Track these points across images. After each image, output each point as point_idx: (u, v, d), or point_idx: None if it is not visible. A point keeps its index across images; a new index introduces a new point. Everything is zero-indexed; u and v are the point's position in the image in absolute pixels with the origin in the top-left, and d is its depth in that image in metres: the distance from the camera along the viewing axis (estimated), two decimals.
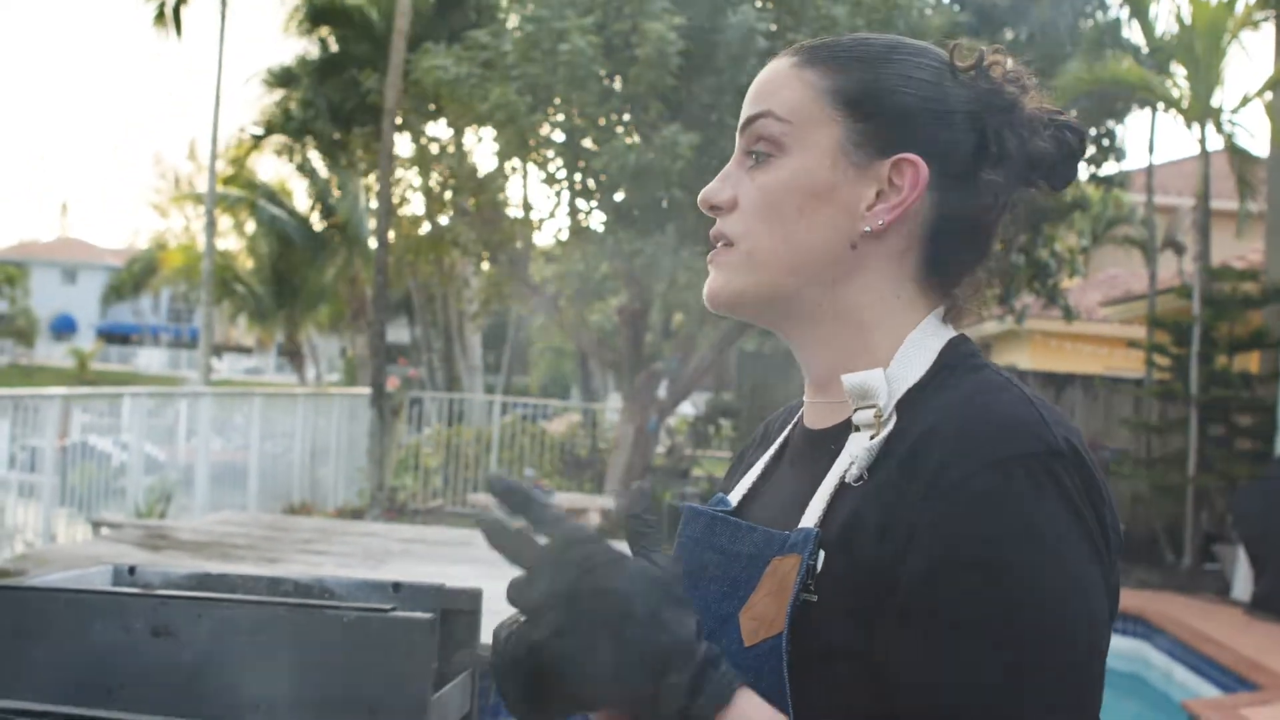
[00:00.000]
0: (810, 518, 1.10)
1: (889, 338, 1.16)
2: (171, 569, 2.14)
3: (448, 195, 14.13)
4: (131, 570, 2.09)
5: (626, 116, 12.14)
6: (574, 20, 11.47)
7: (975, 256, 1.20)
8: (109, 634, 1.62)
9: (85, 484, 9.96)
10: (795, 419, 1.29)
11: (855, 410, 1.13)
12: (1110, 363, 19.15)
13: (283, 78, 19.56)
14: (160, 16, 17.98)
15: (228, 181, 24.24)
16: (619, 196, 12.37)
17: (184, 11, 18.01)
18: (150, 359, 58.97)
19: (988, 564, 0.99)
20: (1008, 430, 1.03)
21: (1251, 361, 13.01)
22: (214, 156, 17.45)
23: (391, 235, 15.49)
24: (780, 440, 1.30)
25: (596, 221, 12.75)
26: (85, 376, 52.28)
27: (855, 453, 1.10)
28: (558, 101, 11.82)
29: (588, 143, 12.07)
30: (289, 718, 1.57)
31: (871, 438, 1.10)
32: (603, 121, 12.04)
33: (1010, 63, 1.22)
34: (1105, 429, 14.12)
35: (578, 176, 12.38)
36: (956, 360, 1.14)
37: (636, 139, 12.25)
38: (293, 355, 28.21)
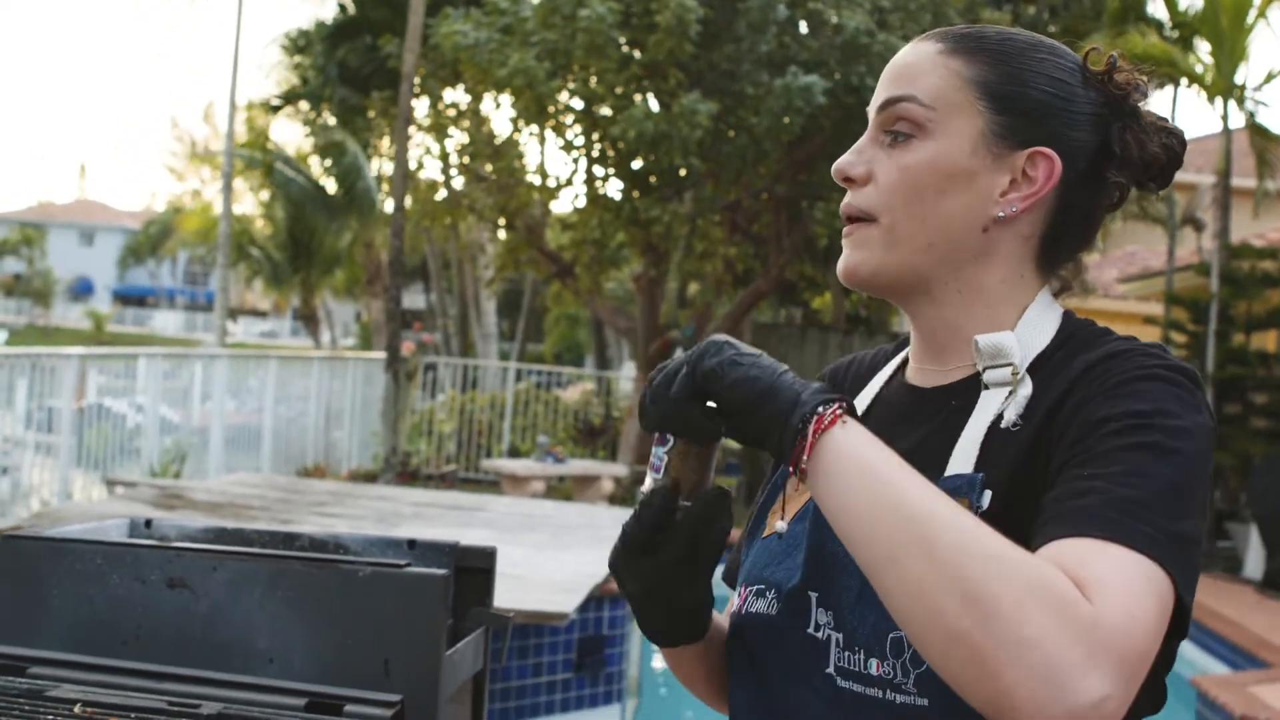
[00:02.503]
0: (963, 463, 1.16)
1: (1010, 311, 1.24)
2: (187, 523, 2.14)
3: (465, 160, 14.11)
4: (148, 523, 2.09)
5: (645, 84, 12.10)
6: None
7: (1084, 242, 1.29)
8: (125, 585, 1.64)
9: (101, 445, 9.98)
10: (888, 376, 1.35)
11: (985, 369, 1.20)
12: None
13: (301, 42, 19.53)
14: None
15: (246, 145, 24.22)
16: (637, 164, 12.34)
17: None
18: (166, 321, 59.13)
19: (1148, 408, 1.08)
20: (1150, 353, 1.14)
21: (1269, 340, 12.95)
22: (231, 118, 17.43)
23: (409, 200, 15.51)
24: (871, 396, 1.35)
25: (613, 188, 12.72)
26: (102, 338, 52.48)
27: (995, 406, 1.18)
28: (576, 68, 11.77)
29: (605, 110, 12.02)
30: (303, 670, 1.57)
31: (1010, 392, 1.17)
32: (621, 89, 12.00)
33: (1134, 73, 1.28)
34: None
35: (595, 143, 12.34)
36: (1083, 327, 1.23)
37: (655, 106, 12.21)
38: (308, 319, 28.23)
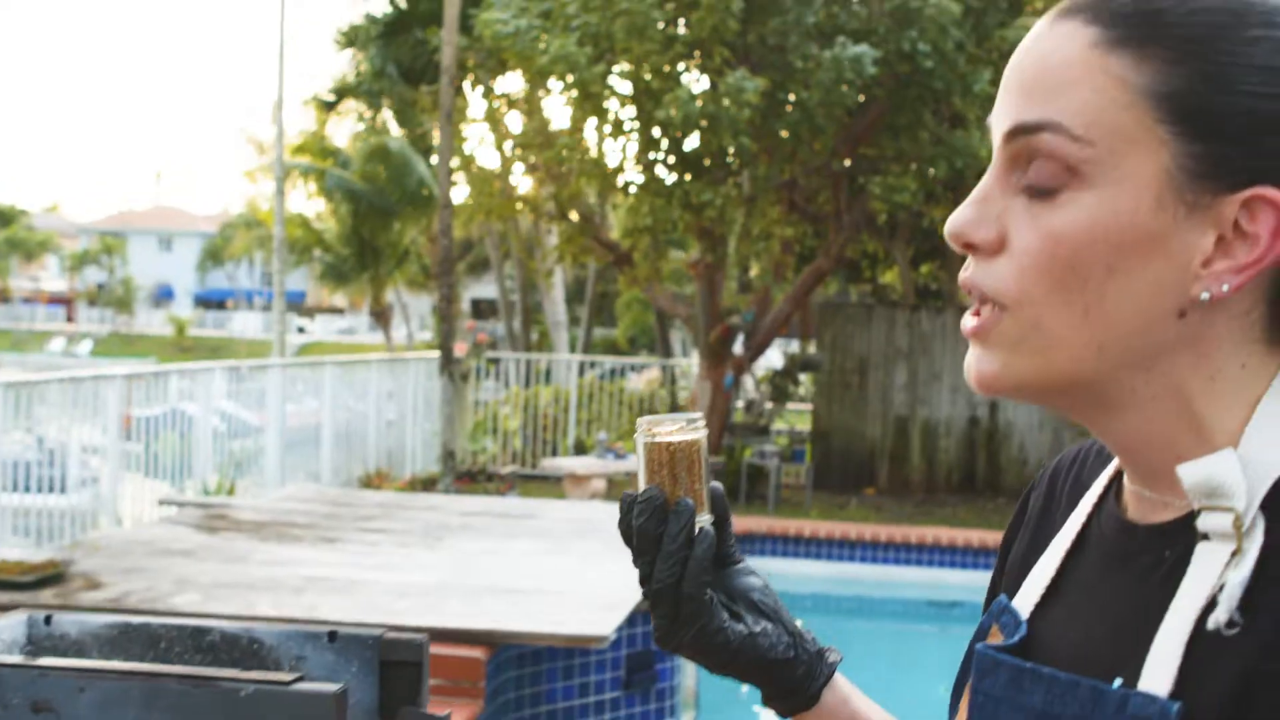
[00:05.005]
0: (1160, 674, 0.79)
1: (1235, 411, 0.84)
2: (90, 619, 1.94)
3: (518, 151, 13.88)
4: (48, 619, 1.93)
5: (691, 63, 11.76)
6: None
7: None
8: None
9: (169, 454, 10.06)
10: (1100, 494, 0.96)
11: (1201, 511, 0.81)
12: None
13: (353, 38, 19.42)
14: None
15: (301, 148, 24.24)
16: (689, 145, 12.03)
17: None
18: (246, 323, 59.80)
19: None
20: None
21: None
22: (280, 125, 17.35)
23: (466, 193, 15.31)
24: (1082, 521, 0.96)
25: (665, 173, 12.42)
26: (183, 343, 53.25)
27: (1210, 577, 0.79)
28: (619, 51, 11.46)
29: (652, 91, 11.71)
30: None
31: (1233, 554, 0.79)
32: (667, 69, 11.66)
33: None
34: None
35: (643, 126, 12.04)
36: None
37: (702, 86, 11.87)
38: (378, 316, 28.31)
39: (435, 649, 5.35)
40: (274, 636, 1.88)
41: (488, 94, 14.66)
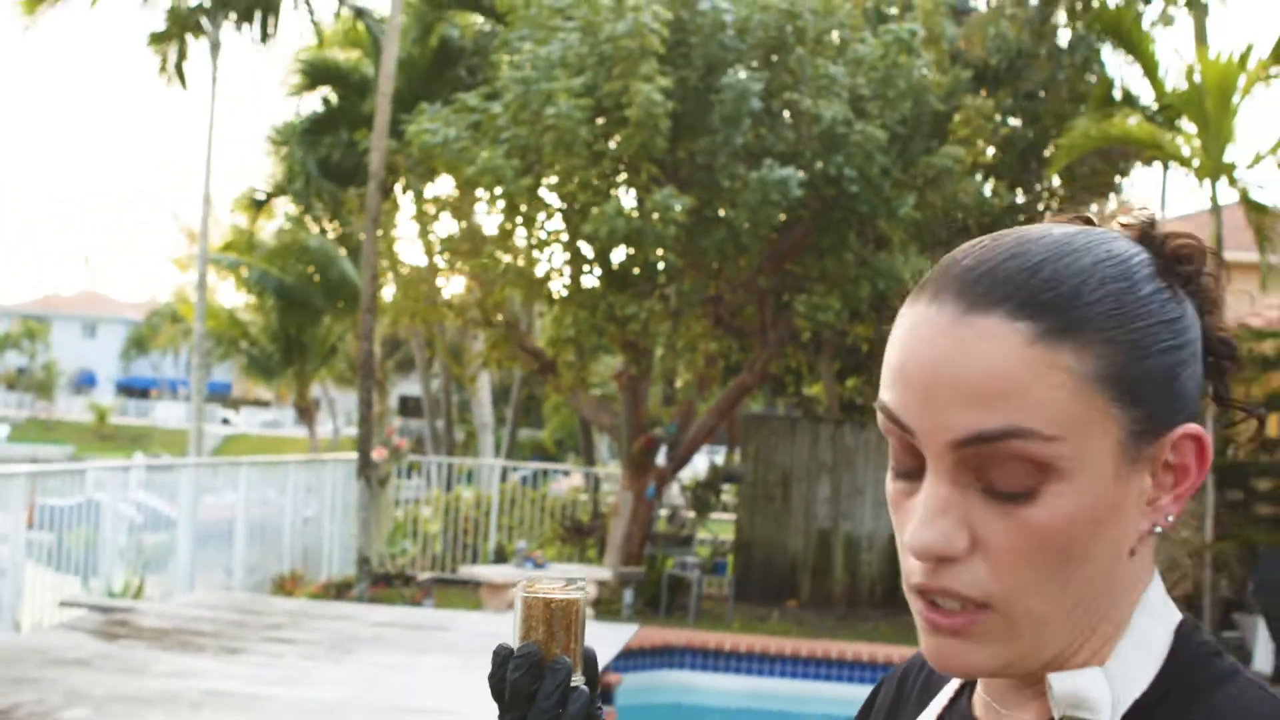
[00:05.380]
0: None
1: (1113, 618, 0.89)
2: None
3: (446, 256, 13.89)
4: None
5: (618, 179, 11.89)
6: (563, 81, 11.22)
7: None
8: None
9: (79, 546, 9.85)
10: (951, 697, 1.00)
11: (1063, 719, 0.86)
12: None
13: (287, 136, 19.47)
14: (164, 68, 17.97)
15: (229, 245, 24.18)
16: (616, 258, 12.11)
17: (185, 66, 17.97)
18: (169, 413, 58.97)
19: None
20: None
21: (1271, 424, 12.60)
22: (205, 221, 17.28)
23: (393, 293, 15.28)
24: None
25: (591, 284, 12.48)
26: (104, 430, 52.39)
27: None
28: (547, 164, 11.57)
29: (579, 205, 11.81)
30: None
31: None
32: (595, 183, 11.79)
33: (1204, 251, 0.91)
34: None
35: (570, 239, 12.13)
36: (1191, 660, 0.88)
37: (631, 201, 12.00)
38: (303, 411, 28.06)
39: None
40: None
41: (417, 198, 14.71)
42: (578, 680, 1.02)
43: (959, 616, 0.86)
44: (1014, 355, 0.83)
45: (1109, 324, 0.84)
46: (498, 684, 1.02)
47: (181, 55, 17.98)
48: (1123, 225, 0.92)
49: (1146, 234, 0.91)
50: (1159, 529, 0.87)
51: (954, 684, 1.01)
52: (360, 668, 6.96)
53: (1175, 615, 0.90)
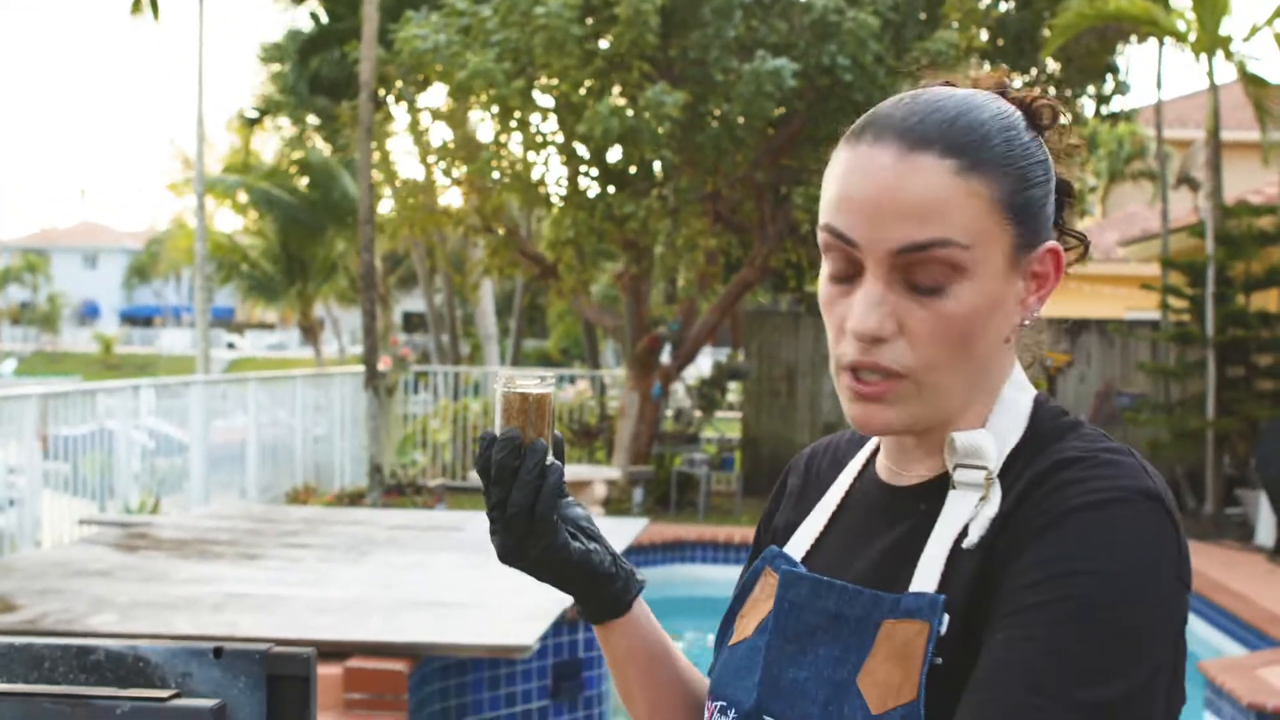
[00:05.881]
0: (926, 581, 1.11)
1: (987, 395, 1.18)
2: None
3: (442, 164, 13.85)
4: None
5: (611, 78, 11.82)
6: None
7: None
8: None
9: (95, 472, 9.96)
10: (860, 468, 1.29)
11: (956, 468, 1.14)
12: (1131, 303, 18.75)
13: (276, 53, 19.32)
14: (137, 4, 17.49)
15: (228, 165, 24.05)
16: (612, 157, 12.08)
17: None
18: (174, 339, 59.06)
19: (1099, 580, 1.02)
20: (1110, 475, 1.06)
21: (1270, 300, 12.63)
22: (201, 140, 17.17)
23: (391, 206, 15.27)
24: (845, 490, 1.28)
25: (588, 185, 12.46)
26: (110, 360, 52.53)
27: (966, 515, 1.11)
28: (539, 66, 11.50)
29: (573, 106, 11.75)
30: None
31: (981, 499, 1.11)
32: (588, 83, 11.72)
33: (1057, 106, 1.21)
34: (1122, 374, 13.81)
35: (565, 140, 12.08)
36: (1048, 419, 1.16)
37: (624, 100, 11.94)
38: (307, 331, 28.11)
39: (357, 662, 5.37)
40: (159, 654, 1.89)
41: (411, 108, 14.64)
42: (552, 459, 1.20)
43: (879, 385, 1.12)
44: (944, 183, 1.09)
45: (1006, 161, 1.11)
46: (484, 464, 1.20)
47: None
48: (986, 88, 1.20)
49: (1008, 95, 1.19)
50: (1026, 321, 1.16)
51: (861, 457, 1.29)
52: (376, 568, 7.08)
53: (1032, 389, 1.19)
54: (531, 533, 1.21)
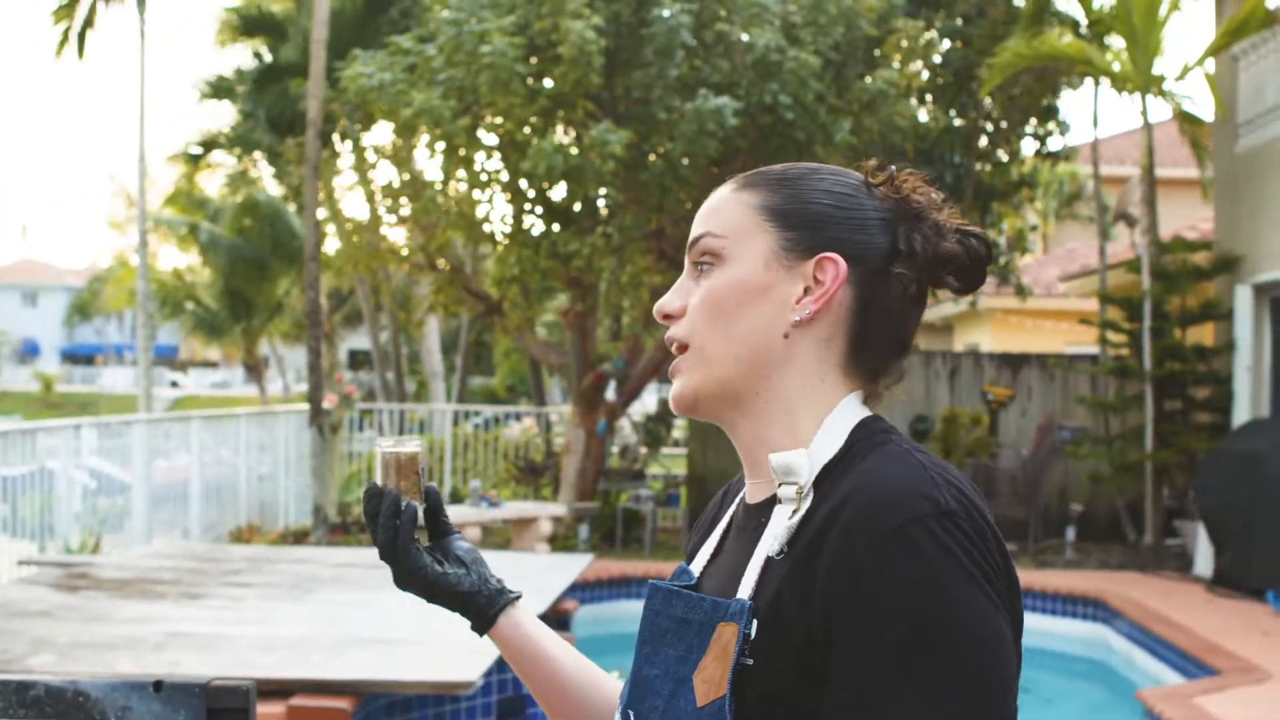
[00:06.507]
0: (744, 589, 1.25)
1: (812, 419, 1.31)
2: None
3: (387, 202, 13.84)
4: None
5: (556, 116, 11.88)
6: (494, 21, 11.21)
7: (895, 345, 1.35)
8: None
9: (33, 513, 9.84)
10: (742, 493, 1.42)
11: (779, 485, 1.27)
12: (1072, 338, 19.02)
13: (219, 89, 19.27)
14: (62, 44, 17.08)
15: (172, 199, 23.91)
16: (556, 195, 12.13)
17: (89, 35, 17.08)
18: (116, 378, 58.40)
19: (903, 626, 1.13)
20: (901, 498, 1.17)
21: (1205, 334, 12.85)
22: (143, 176, 17.06)
23: (336, 244, 15.24)
24: (730, 512, 1.43)
25: (533, 223, 12.50)
26: (50, 399, 51.85)
27: (776, 529, 1.25)
28: (484, 104, 11.55)
29: (517, 144, 11.80)
30: None
31: (793, 513, 1.24)
32: (533, 121, 11.78)
33: (919, 183, 1.37)
34: (1063, 408, 13.97)
35: (510, 178, 12.12)
36: (864, 436, 1.28)
37: (569, 139, 12.00)
38: (251, 369, 27.93)
39: (300, 700, 5.35)
40: (99, 689, 1.90)
41: (356, 146, 14.65)
42: (416, 505, 1.51)
43: (678, 359, 1.36)
44: (721, 197, 1.37)
45: (783, 183, 1.35)
46: (365, 513, 1.53)
47: (88, 24, 17.11)
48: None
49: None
50: (798, 318, 1.30)
51: (745, 489, 1.42)
52: (320, 606, 7.05)
53: (865, 413, 1.32)
54: (396, 560, 1.49)
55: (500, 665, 6.13)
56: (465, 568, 1.52)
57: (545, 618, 6.77)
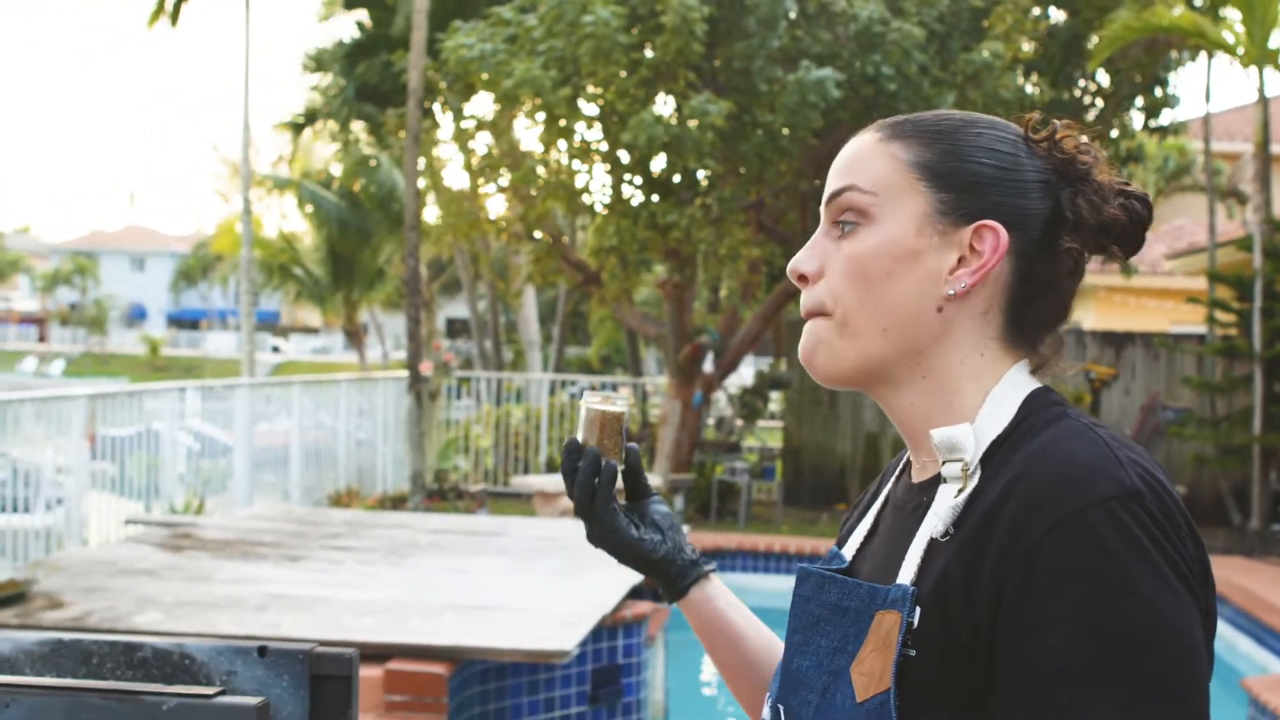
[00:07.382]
0: (906, 574, 1.17)
1: (975, 394, 1.22)
2: (24, 636, 1.98)
3: (487, 172, 13.92)
4: None
5: (657, 86, 11.84)
6: None
7: (1055, 315, 1.25)
8: None
9: (141, 473, 10.08)
10: (899, 470, 1.35)
11: (943, 464, 1.19)
12: (1177, 316, 18.61)
13: (322, 61, 19.47)
14: (156, 14, 17.44)
15: (277, 167, 24.24)
16: (656, 166, 12.10)
17: (184, 7, 17.45)
18: (220, 343, 59.56)
19: (1081, 622, 1.04)
20: (1082, 478, 1.08)
21: None
22: (246, 145, 17.32)
23: (436, 213, 15.36)
24: (886, 491, 1.36)
25: (632, 193, 12.48)
26: (156, 362, 53.04)
27: (940, 508, 1.17)
28: (585, 74, 11.54)
29: (618, 114, 11.78)
30: None
31: (958, 492, 1.16)
32: (633, 92, 11.75)
33: (1083, 136, 1.26)
34: (1167, 388, 13.70)
35: (609, 148, 12.11)
36: (1036, 410, 1.19)
37: (668, 109, 11.96)
38: (351, 335, 28.29)
39: (397, 665, 5.42)
40: (205, 652, 1.93)
41: (456, 116, 14.73)
42: (615, 464, 1.45)
43: (815, 326, 1.26)
44: (866, 148, 1.26)
45: (937, 136, 1.23)
46: (563, 468, 1.46)
47: None
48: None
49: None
50: (952, 291, 1.20)
51: (903, 461, 1.36)
52: (417, 571, 7.12)
53: (1034, 384, 1.23)
54: (591, 518, 1.44)
55: (595, 635, 6.15)
56: (661, 534, 1.48)
57: (637, 589, 6.79)
